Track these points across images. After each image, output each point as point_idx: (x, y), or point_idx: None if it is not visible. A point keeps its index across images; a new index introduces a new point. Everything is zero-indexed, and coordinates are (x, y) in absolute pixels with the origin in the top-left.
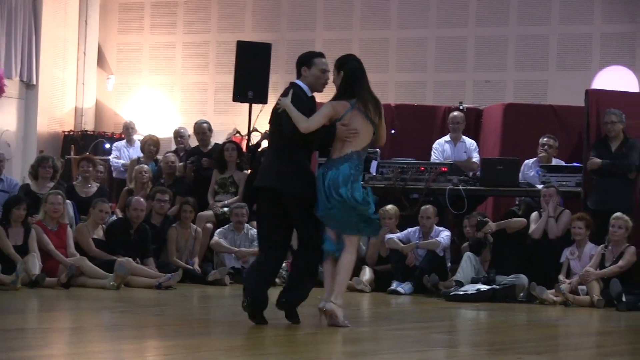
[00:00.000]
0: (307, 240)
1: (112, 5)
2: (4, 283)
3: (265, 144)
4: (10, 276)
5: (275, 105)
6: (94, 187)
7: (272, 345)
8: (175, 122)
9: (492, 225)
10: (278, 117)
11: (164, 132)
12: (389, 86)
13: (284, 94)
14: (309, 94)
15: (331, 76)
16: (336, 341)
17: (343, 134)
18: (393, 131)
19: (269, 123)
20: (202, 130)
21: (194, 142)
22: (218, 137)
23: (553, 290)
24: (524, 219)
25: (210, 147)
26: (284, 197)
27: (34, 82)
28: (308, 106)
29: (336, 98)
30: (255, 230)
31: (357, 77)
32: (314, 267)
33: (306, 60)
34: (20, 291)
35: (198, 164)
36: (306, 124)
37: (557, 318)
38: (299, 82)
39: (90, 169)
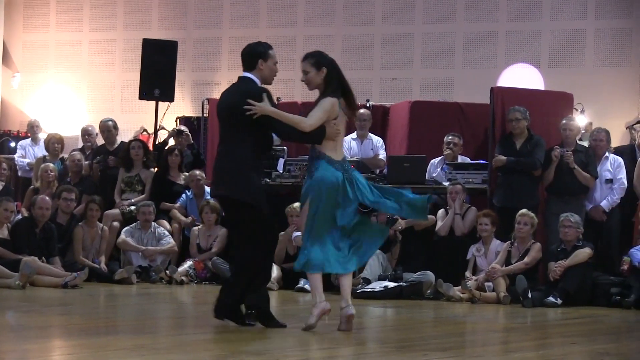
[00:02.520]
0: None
1: (16, 2)
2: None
3: (172, 142)
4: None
5: (226, 107)
6: None
7: (178, 344)
8: (83, 120)
9: (401, 223)
10: (238, 120)
11: (71, 130)
12: (295, 84)
13: (247, 91)
14: (265, 89)
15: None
16: (242, 339)
17: (331, 132)
18: None
19: (220, 124)
20: (108, 128)
21: (101, 141)
22: (125, 136)
23: (460, 287)
24: (432, 217)
25: (116, 146)
26: (227, 202)
27: None
28: (270, 101)
29: (330, 94)
30: (161, 228)
31: (341, 73)
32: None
33: (263, 53)
34: None
35: (104, 162)
36: (309, 122)
37: (463, 315)
38: (250, 75)
39: None
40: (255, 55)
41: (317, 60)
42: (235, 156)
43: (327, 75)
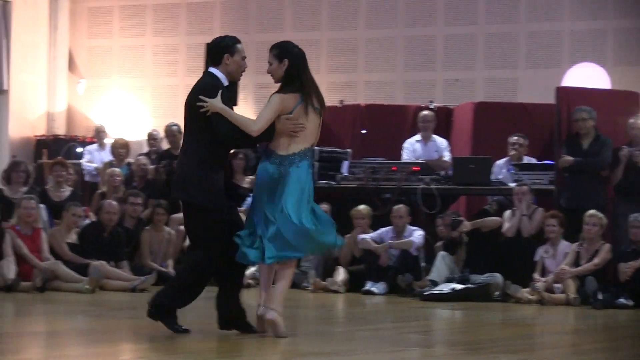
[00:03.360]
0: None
1: (81, 9)
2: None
3: None
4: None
5: (187, 102)
6: (66, 191)
7: (245, 347)
8: (147, 124)
9: (466, 224)
10: (195, 117)
11: (136, 135)
12: (358, 86)
13: (203, 87)
14: (225, 84)
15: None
16: (309, 341)
17: (288, 128)
18: (364, 131)
19: (184, 121)
20: (172, 132)
21: (166, 145)
22: None
23: (528, 289)
24: (498, 218)
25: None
26: (184, 206)
27: (5, 87)
28: (227, 98)
29: (282, 90)
30: None
31: (303, 67)
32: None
33: (228, 47)
34: None
35: (169, 166)
36: (257, 126)
37: (532, 316)
38: (215, 71)
39: (63, 173)
40: (219, 49)
41: (279, 51)
42: (193, 156)
43: (288, 68)
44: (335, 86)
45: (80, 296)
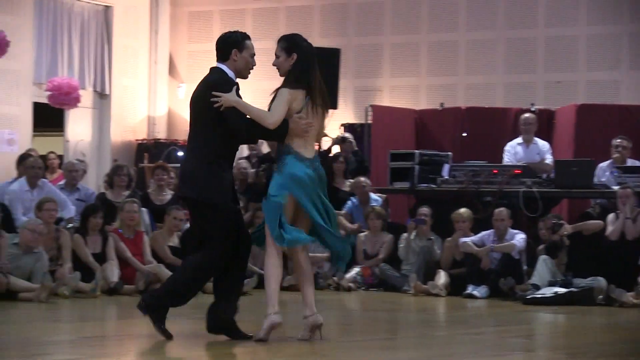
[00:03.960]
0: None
1: (181, 14)
2: (83, 291)
3: (336, 149)
4: (90, 284)
5: (194, 98)
6: (168, 194)
7: (346, 350)
8: None
9: (568, 228)
10: (204, 113)
11: None
12: (458, 89)
13: (215, 83)
14: (235, 81)
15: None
16: (410, 345)
17: (300, 127)
18: (464, 134)
19: (190, 117)
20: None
21: (266, 149)
22: None
23: (633, 293)
24: (600, 221)
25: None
26: (191, 204)
27: (107, 92)
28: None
29: (287, 84)
30: None
31: (312, 62)
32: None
33: (237, 42)
34: (99, 299)
35: (269, 170)
36: (273, 119)
37: (637, 321)
38: (223, 66)
39: (165, 176)
40: (227, 44)
41: (288, 45)
42: (201, 154)
43: (296, 63)
44: (435, 89)
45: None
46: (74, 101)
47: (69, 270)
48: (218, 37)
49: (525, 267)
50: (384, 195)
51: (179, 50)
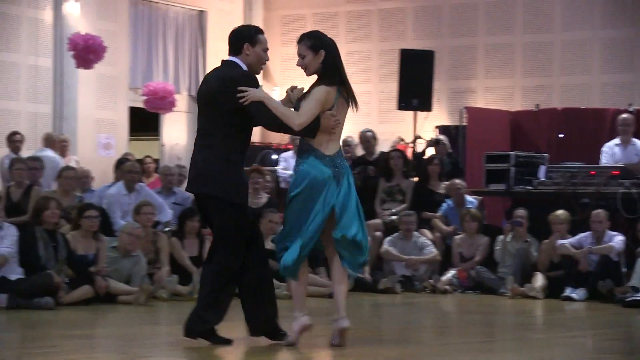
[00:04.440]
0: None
1: (274, 18)
2: (180, 294)
3: (430, 151)
4: (187, 287)
5: (208, 93)
6: (264, 197)
7: (443, 354)
8: None
9: None
10: (216, 106)
11: None
12: (554, 90)
13: (237, 78)
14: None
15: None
16: (509, 349)
17: (331, 124)
18: (561, 135)
19: (203, 112)
20: (367, 138)
21: (360, 151)
22: (383, 146)
23: None
24: None
25: (375, 156)
26: (210, 202)
27: None
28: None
29: (324, 82)
30: (424, 237)
31: (339, 56)
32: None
33: (249, 36)
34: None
35: (364, 172)
36: (300, 120)
37: None
38: (237, 60)
39: (260, 180)
40: (241, 38)
41: (314, 42)
42: (220, 151)
43: (325, 59)
44: (530, 90)
45: (279, 302)
46: (170, 105)
47: (166, 274)
48: (231, 31)
49: (624, 270)
50: (480, 198)
51: (272, 53)
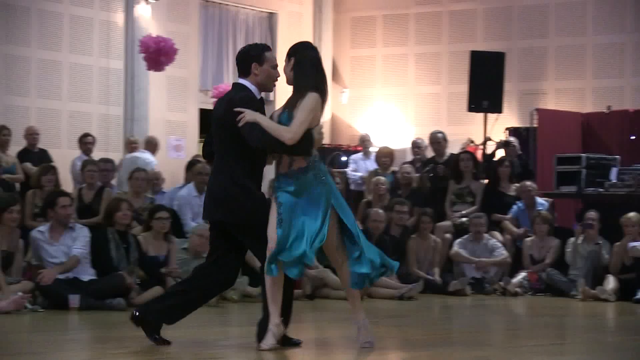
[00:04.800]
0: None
1: (344, 20)
2: (251, 295)
3: (500, 153)
4: (257, 288)
5: (217, 118)
6: None
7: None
8: (409, 133)
9: None
10: (225, 130)
11: (398, 143)
12: (625, 91)
13: (237, 101)
14: (258, 96)
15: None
16: (580, 351)
17: (320, 141)
18: (633, 137)
19: (215, 135)
20: (438, 140)
21: (430, 153)
22: (452, 147)
23: None
24: None
25: (445, 157)
26: (233, 228)
27: (271, 98)
28: (262, 112)
29: (312, 90)
30: (494, 239)
31: (316, 64)
32: None
33: (256, 55)
34: None
35: (434, 173)
36: (291, 132)
37: None
38: (244, 81)
39: None
40: (248, 58)
41: (289, 50)
42: (230, 175)
43: (296, 66)
44: (601, 92)
45: (348, 304)
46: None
47: None
48: (238, 52)
49: None
50: (550, 200)
51: (341, 55)
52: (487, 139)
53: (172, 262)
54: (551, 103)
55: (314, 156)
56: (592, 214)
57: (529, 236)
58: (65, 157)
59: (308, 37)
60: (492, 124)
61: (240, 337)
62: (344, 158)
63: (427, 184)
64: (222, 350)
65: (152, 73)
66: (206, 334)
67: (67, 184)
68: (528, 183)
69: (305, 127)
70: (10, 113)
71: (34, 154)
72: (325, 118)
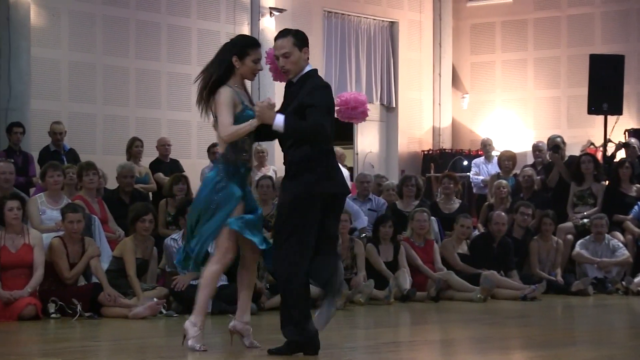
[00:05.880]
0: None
1: (464, 27)
2: (377, 298)
3: (620, 154)
4: (383, 291)
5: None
6: (456, 203)
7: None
8: (528, 137)
9: None
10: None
11: (518, 147)
12: None
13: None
14: None
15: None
16: None
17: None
18: None
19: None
20: (557, 144)
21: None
22: (571, 150)
23: None
24: None
25: (564, 160)
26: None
27: (394, 105)
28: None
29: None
30: (615, 240)
31: (222, 57)
32: None
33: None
34: (393, 305)
35: (554, 178)
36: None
37: None
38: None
39: (452, 185)
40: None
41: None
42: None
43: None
44: None
45: (472, 305)
46: (362, 115)
47: (363, 279)
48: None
49: None
50: None
51: (461, 61)
52: (607, 141)
53: None
54: None
55: (233, 158)
56: None
57: None
58: (195, 167)
59: (428, 44)
60: (612, 125)
61: (368, 339)
62: (465, 162)
63: (549, 185)
64: (350, 352)
65: (278, 83)
66: (335, 336)
67: None
68: None
69: (229, 121)
70: (142, 125)
71: (166, 165)
72: (447, 123)
